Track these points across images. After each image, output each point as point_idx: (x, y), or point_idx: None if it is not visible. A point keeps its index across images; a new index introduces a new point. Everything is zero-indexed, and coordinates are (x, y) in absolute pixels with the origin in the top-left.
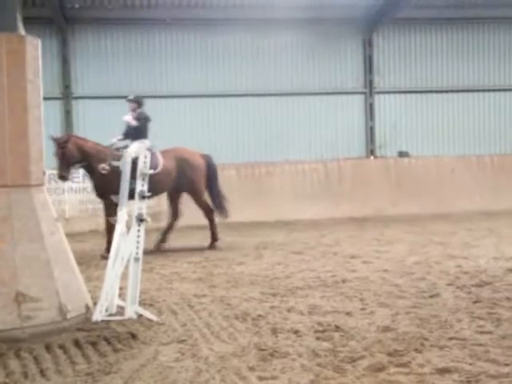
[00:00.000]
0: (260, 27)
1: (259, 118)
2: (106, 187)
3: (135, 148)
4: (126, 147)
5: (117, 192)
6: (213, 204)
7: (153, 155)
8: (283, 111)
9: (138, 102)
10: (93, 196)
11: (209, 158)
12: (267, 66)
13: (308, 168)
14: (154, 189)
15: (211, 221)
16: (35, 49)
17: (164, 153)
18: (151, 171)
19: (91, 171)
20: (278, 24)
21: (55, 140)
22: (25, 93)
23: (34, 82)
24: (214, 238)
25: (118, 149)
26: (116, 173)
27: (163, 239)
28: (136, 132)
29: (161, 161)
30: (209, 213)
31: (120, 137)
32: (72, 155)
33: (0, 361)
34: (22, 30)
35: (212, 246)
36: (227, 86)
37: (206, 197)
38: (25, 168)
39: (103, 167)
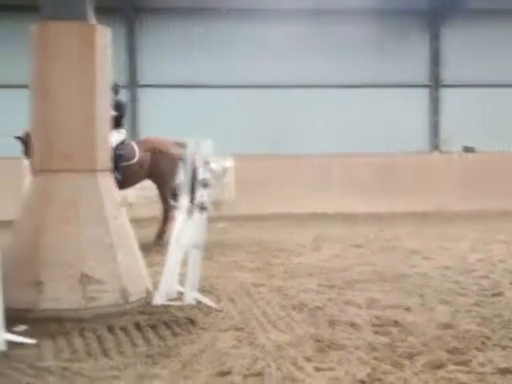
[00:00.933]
0: (323, 18)
1: (321, 110)
2: None
3: (113, 138)
4: None
5: None
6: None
7: (128, 146)
8: (345, 103)
9: (113, 89)
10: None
11: (184, 145)
12: (330, 57)
13: (369, 161)
14: (129, 180)
15: (167, 217)
16: (105, 38)
17: (139, 143)
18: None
19: None
20: (342, 15)
21: (19, 139)
22: (94, 80)
23: (103, 70)
24: (161, 236)
25: None
26: None
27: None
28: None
29: (137, 152)
30: (169, 209)
31: None
32: None
33: (65, 339)
34: (93, 19)
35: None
36: (289, 77)
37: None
38: (92, 153)
39: None
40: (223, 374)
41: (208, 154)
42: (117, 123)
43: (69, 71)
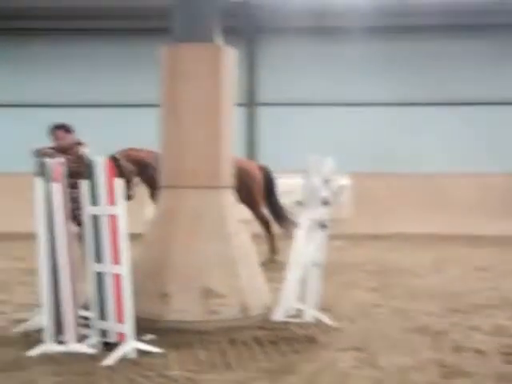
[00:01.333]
0: (453, 34)
1: (438, 128)
2: None
3: None
4: None
5: None
6: (272, 215)
7: None
8: (464, 121)
9: None
10: None
11: (266, 170)
12: (452, 75)
13: (495, 181)
14: None
15: (271, 234)
16: (231, 58)
17: None
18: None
19: (149, 181)
20: (478, 30)
21: None
22: (220, 100)
23: (229, 89)
24: (274, 251)
25: None
26: None
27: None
28: None
29: None
30: (266, 225)
31: None
32: (128, 170)
33: (189, 350)
34: (219, 41)
35: (272, 260)
36: (406, 95)
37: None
38: (216, 171)
39: None
40: None
41: (329, 172)
42: None
43: (196, 91)
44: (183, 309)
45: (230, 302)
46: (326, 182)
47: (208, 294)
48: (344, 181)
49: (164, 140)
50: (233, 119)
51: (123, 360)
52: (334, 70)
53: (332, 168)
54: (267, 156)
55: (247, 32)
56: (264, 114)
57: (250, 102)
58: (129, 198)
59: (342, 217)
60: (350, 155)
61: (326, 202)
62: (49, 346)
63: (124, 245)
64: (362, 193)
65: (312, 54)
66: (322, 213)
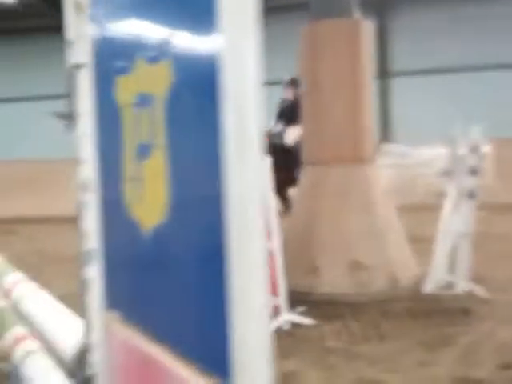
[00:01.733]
0: None
1: None
2: None
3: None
4: (280, 135)
5: None
6: None
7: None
8: None
9: (293, 84)
10: (408, 171)
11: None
12: None
13: None
14: None
15: None
16: (368, 32)
17: None
18: None
19: None
20: None
21: None
22: (359, 74)
23: (367, 63)
24: None
25: (274, 135)
26: None
27: None
28: (292, 115)
29: None
30: None
31: (274, 121)
32: None
33: (342, 322)
34: (357, 14)
35: None
36: None
37: None
38: (358, 144)
39: None
40: (508, 366)
41: (476, 141)
42: (295, 118)
43: (336, 67)
44: (333, 281)
45: (379, 273)
46: (474, 150)
47: (357, 266)
48: (486, 148)
49: (305, 115)
50: (371, 92)
51: (278, 331)
52: (464, 35)
53: (479, 136)
54: (402, 126)
55: (378, 2)
56: (398, 85)
57: (384, 74)
58: None
59: (485, 185)
60: (490, 121)
61: (474, 171)
62: None
63: (274, 220)
64: (505, 160)
65: (443, 20)
66: (470, 182)
